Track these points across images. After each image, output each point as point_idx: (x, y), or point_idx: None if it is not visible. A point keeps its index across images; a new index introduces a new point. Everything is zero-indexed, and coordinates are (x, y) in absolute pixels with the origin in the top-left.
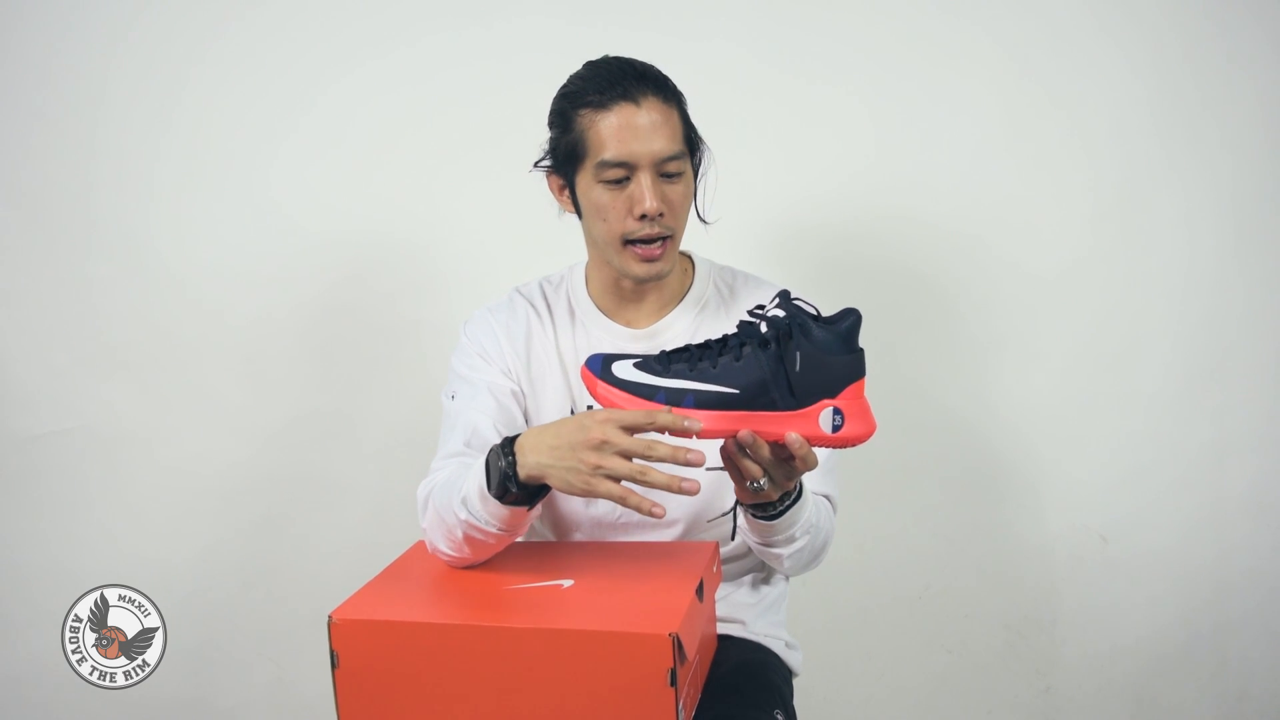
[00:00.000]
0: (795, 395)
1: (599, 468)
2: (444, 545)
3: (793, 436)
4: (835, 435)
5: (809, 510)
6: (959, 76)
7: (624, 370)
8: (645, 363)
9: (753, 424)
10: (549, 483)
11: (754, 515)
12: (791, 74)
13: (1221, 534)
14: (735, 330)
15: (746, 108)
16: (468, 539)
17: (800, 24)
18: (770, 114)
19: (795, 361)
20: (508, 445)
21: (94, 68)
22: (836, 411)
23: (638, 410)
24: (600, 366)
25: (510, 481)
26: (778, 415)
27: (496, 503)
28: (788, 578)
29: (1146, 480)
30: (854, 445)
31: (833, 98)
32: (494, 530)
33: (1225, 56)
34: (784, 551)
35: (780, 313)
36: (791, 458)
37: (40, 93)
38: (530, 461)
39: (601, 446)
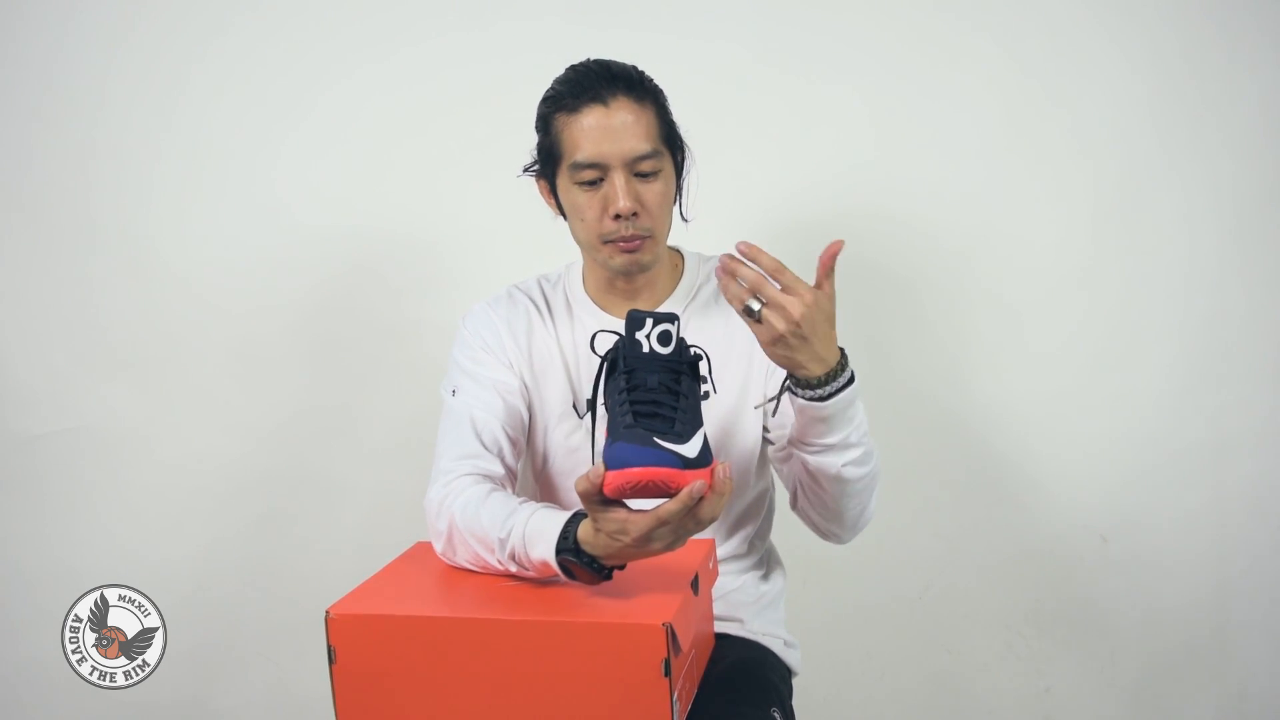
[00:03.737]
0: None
1: (669, 545)
2: (463, 561)
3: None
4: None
5: (861, 411)
6: (958, 75)
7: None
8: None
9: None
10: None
11: (804, 396)
12: (790, 72)
13: (1221, 534)
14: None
15: (745, 106)
16: (505, 573)
17: (799, 23)
18: (769, 112)
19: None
20: (582, 551)
21: (95, 67)
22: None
23: (665, 511)
24: (683, 463)
25: (606, 573)
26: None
27: (566, 578)
28: (785, 574)
29: (1146, 480)
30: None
31: (831, 96)
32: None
33: (1225, 56)
34: (838, 460)
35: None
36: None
37: (41, 92)
38: (613, 559)
39: (659, 541)
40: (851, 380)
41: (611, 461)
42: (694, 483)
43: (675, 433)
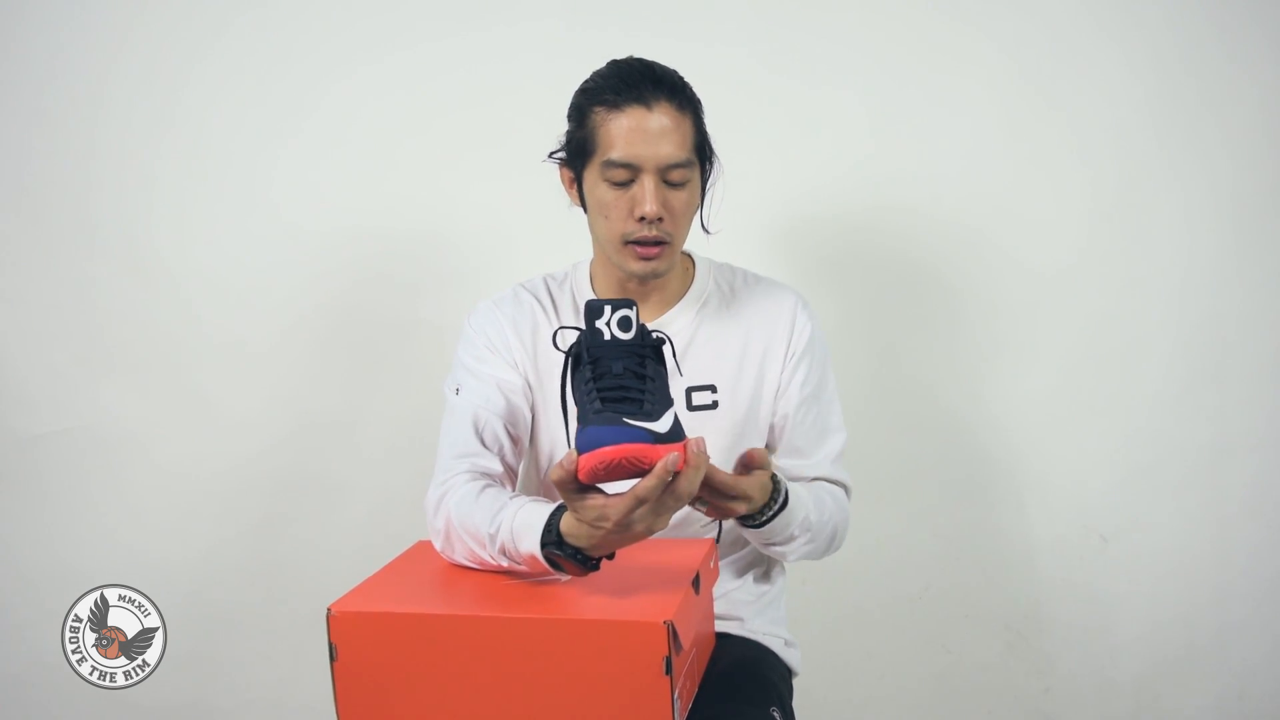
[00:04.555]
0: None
1: (650, 525)
2: (461, 558)
3: (671, 457)
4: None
5: (805, 511)
6: (958, 77)
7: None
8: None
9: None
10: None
11: (741, 525)
12: (790, 74)
13: (1221, 534)
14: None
15: (744, 108)
16: (500, 569)
17: (798, 25)
18: (769, 115)
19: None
20: (566, 544)
21: (95, 67)
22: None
23: (642, 488)
24: (655, 438)
25: (591, 564)
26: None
27: (554, 571)
28: (785, 574)
29: (1146, 480)
30: None
31: (831, 98)
32: (535, 573)
33: (1225, 56)
34: (785, 549)
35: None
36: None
37: (41, 93)
38: (598, 549)
39: (640, 523)
40: (785, 503)
41: (583, 445)
42: (668, 455)
43: (645, 412)
